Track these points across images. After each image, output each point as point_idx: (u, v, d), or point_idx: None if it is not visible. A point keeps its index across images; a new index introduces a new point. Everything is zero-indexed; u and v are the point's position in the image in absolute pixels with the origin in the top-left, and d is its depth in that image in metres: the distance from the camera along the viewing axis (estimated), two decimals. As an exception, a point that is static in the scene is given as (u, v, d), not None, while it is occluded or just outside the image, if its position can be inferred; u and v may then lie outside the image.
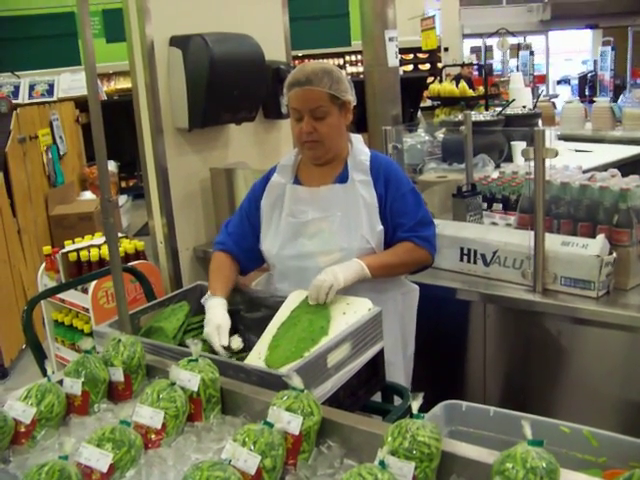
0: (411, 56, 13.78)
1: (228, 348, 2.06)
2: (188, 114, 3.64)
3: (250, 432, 1.37)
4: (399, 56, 4.57)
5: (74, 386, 1.69)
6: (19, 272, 5.28)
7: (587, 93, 15.62)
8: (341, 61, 14.02)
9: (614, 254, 2.55)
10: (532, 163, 2.57)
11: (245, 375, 1.74)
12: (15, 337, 4.89)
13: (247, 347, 2.08)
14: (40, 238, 5.95)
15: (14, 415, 1.59)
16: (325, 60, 12.59)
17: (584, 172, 3.32)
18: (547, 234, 2.63)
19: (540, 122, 5.51)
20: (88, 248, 3.61)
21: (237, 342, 2.06)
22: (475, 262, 2.86)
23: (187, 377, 1.61)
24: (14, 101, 7.43)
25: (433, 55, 13.58)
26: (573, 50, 20.57)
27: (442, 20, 14.05)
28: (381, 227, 2.30)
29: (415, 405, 1.39)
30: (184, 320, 2.21)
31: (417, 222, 2.32)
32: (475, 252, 2.86)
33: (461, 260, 2.91)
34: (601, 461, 1.71)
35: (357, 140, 2.44)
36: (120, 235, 3.91)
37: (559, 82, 19.28)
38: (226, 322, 2.14)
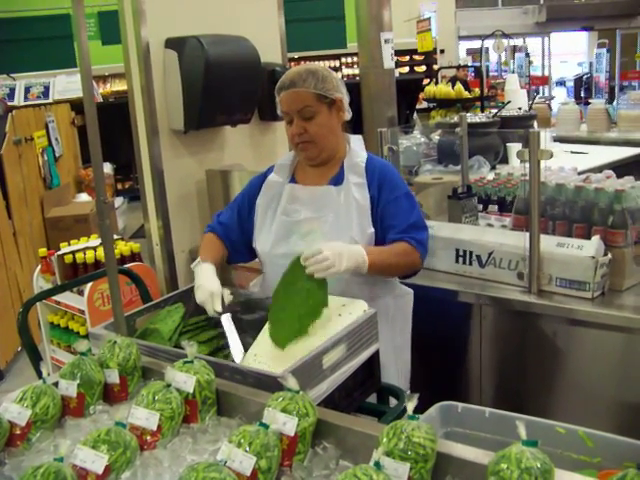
0: (407, 58, 13.82)
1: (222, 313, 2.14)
2: (184, 116, 3.64)
3: (245, 433, 1.37)
4: (395, 58, 4.57)
5: (69, 388, 1.68)
6: (15, 274, 5.27)
7: (582, 95, 15.65)
8: (337, 63, 14.06)
9: (609, 255, 2.56)
10: (527, 165, 2.57)
11: (241, 376, 1.74)
12: (11, 339, 4.88)
13: (243, 348, 2.08)
14: (36, 240, 5.94)
15: (9, 417, 1.58)
16: (321, 62, 12.62)
17: (579, 173, 3.34)
18: (542, 235, 2.64)
19: (535, 124, 5.52)
20: (84, 250, 3.60)
21: (227, 297, 2.19)
22: (471, 263, 2.87)
23: (183, 379, 1.61)
24: (9, 103, 7.45)
25: (429, 57, 13.60)
26: (569, 52, 20.60)
27: (438, 22, 14.04)
28: (372, 230, 2.29)
29: (410, 406, 1.39)
30: (180, 322, 2.21)
31: (410, 225, 2.29)
32: (471, 253, 2.87)
33: (457, 262, 2.91)
34: (596, 461, 1.72)
35: (355, 141, 2.45)
36: (116, 237, 3.91)
37: (555, 84, 19.32)
38: (218, 288, 2.19)
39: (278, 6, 4.30)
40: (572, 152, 5.61)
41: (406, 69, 14.01)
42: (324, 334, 1.95)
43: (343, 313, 2.02)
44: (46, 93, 8.14)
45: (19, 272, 5.36)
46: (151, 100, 3.63)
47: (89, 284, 3.37)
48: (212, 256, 2.37)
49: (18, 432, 1.58)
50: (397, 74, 6.65)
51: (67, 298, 3.57)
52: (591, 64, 16.58)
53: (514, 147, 4.77)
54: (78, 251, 3.60)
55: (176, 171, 3.80)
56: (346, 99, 2.36)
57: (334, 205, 2.33)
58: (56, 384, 1.71)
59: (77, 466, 1.39)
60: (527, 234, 2.63)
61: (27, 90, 8.13)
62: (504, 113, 5.34)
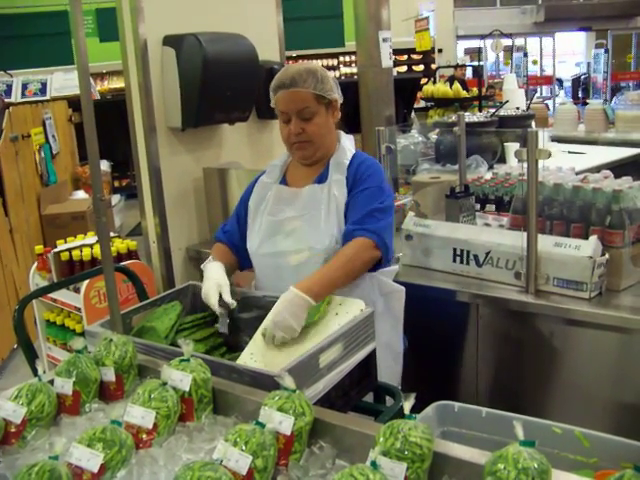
0: (405, 57, 13.83)
1: (224, 305, 2.15)
2: (181, 114, 3.63)
3: (242, 432, 1.37)
4: (393, 57, 4.57)
5: (65, 386, 1.68)
6: (11, 272, 5.26)
7: (580, 95, 15.67)
8: (335, 62, 14.06)
9: (606, 255, 2.56)
10: (525, 164, 2.57)
11: (237, 375, 1.74)
12: (6, 337, 4.87)
13: (240, 347, 2.08)
14: (32, 237, 5.93)
15: (4, 415, 1.58)
16: (319, 61, 12.63)
17: (577, 173, 3.33)
18: (540, 235, 2.63)
19: (533, 123, 5.53)
20: (80, 247, 3.59)
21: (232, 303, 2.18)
22: (468, 263, 2.87)
23: (179, 377, 1.61)
24: (6, 100, 7.41)
25: (427, 56, 13.61)
26: (566, 52, 20.62)
27: (436, 21, 14.06)
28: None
29: (407, 406, 1.39)
30: (176, 320, 2.20)
31: (366, 214, 2.23)
32: (468, 253, 2.86)
33: (454, 261, 2.91)
34: (593, 462, 1.72)
35: (345, 140, 2.44)
36: (113, 235, 3.90)
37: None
38: (225, 281, 2.21)
39: (276, 4, 4.28)
40: (570, 152, 5.61)
41: (404, 68, 14.01)
42: (321, 333, 1.95)
43: (340, 312, 2.02)
44: (43, 90, 8.11)
45: (15, 269, 5.34)
46: (149, 98, 3.62)
47: (85, 282, 3.37)
48: (221, 258, 2.41)
49: (13, 430, 1.57)
50: (395, 73, 6.62)
51: (63, 296, 3.56)
52: (589, 64, 16.61)
53: (512, 147, 4.77)
54: (75, 248, 3.59)
55: (173, 169, 3.79)
56: (340, 100, 2.36)
57: (316, 203, 2.33)
58: (52, 382, 1.70)
59: (72, 464, 1.39)
60: (525, 234, 2.63)
61: (24, 87, 8.09)
62: (502, 113, 5.35)
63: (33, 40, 11.58)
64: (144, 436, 1.50)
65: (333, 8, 12.39)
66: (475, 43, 15.49)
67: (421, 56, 13.58)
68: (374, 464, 1.26)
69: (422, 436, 1.32)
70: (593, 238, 2.55)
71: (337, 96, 2.34)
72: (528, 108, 5.96)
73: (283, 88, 2.27)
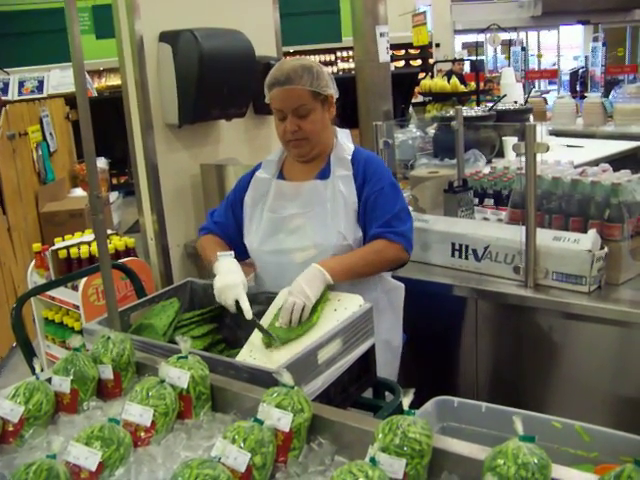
0: (402, 52, 13.83)
1: (239, 308, 2.08)
2: (178, 110, 3.62)
3: (240, 429, 1.36)
4: (390, 52, 4.57)
5: (63, 384, 1.67)
6: (9, 270, 5.26)
7: (578, 88, 15.66)
8: (332, 57, 14.06)
9: (605, 249, 2.55)
10: (523, 158, 2.57)
11: (235, 372, 1.73)
12: (5, 335, 4.86)
13: (239, 344, 2.07)
14: (30, 235, 5.92)
15: (2, 414, 1.57)
16: (316, 56, 12.62)
17: (575, 167, 3.32)
18: (538, 229, 2.63)
19: (531, 117, 5.52)
20: (78, 245, 3.58)
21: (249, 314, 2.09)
22: (467, 257, 2.86)
23: (177, 374, 1.60)
24: (3, 97, 7.42)
25: (424, 51, 13.62)
26: (564, 46, 20.59)
27: (433, 16, 14.06)
28: (360, 234, 2.28)
29: (406, 401, 1.38)
30: (174, 317, 2.20)
31: (393, 216, 2.25)
32: (467, 247, 2.86)
33: (452, 256, 2.91)
34: (593, 456, 1.72)
35: (343, 135, 2.42)
36: (110, 232, 3.89)
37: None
38: (245, 281, 2.15)
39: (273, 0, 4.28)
40: (568, 146, 5.61)
41: (401, 63, 14.02)
42: (319, 329, 1.95)
43: (338, 308, 2.02)
44: (40, 88, 8.10)
45: (13, 267, 5.34)
46: (145, 94, 3.61)
47: (83, 279, 3.36)
48: (222, 250, 2.32)
49: (11, 429, 1.56)
50: (392, 68, 6.62)
51: (61, 293, 3.56)
52: (587, 58, 16.60)
53: (510, 141, 4.77)
54: (72, 246, 3.58)
55: (171, 165, 3.78)
56: (336, 95, 2.34)
57: (320, 199, 2.31)
58: (49, 380, 1.70)
59: (70, 463, 1.38)
60: (523, 228, 2.63)
61: (21, 85, 8.09)
62: (500, 107, 5.34)
63: (30, 37, 11.57)
64: (142, 434, 1.50)
65: (330, 3, 12.38)
66: (473, 37, 15.49)
67: (418, 51, 13.59)
68: (373, 460, 1.25)
69: (421, 432, 1.31)
70: (592, 232, 2.55)
71: (333, 91, 2.31)
72: (526, 102, 5.95)
73: (278, 85, 2.23)
